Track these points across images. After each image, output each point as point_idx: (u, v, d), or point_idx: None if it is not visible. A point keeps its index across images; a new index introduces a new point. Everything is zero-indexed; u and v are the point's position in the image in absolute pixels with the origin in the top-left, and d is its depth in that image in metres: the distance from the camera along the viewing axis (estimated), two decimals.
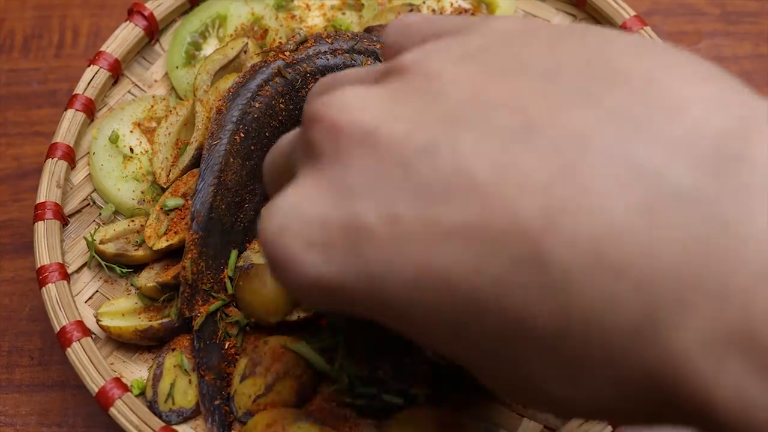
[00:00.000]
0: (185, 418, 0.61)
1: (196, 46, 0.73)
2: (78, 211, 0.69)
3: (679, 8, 0.88)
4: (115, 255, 0.65)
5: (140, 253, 0.65)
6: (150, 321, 0.62)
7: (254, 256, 0.62)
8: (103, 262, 0.65)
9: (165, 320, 0.62)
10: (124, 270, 0.65)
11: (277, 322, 0.61)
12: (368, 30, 0.69)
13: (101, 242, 0.65)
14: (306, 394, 0.60)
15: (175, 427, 0.60)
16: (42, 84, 0.85)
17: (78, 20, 0.89)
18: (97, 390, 0.59)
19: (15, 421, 0.70)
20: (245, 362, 0.60)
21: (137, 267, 0.66)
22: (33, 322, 0.74)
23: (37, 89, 0.85)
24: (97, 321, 0.62)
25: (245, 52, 0.69)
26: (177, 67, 0.72)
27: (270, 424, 0.57)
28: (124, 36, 0.73)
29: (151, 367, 0.63)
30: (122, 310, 0.63)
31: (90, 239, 0.65)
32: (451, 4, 0.75)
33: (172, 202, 0.64)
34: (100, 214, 0.68)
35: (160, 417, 0.60)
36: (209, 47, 0.73)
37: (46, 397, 0.71)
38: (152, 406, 0.61)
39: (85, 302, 0.65)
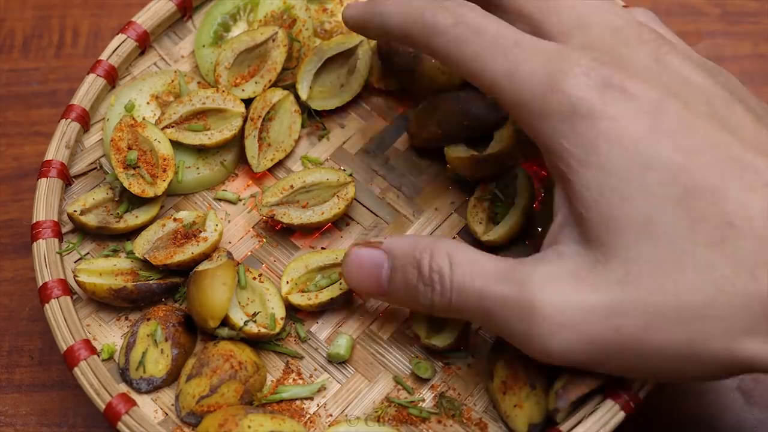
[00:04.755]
0: (155, 386, 0.61)
1: (226, 27, 0.74)
2: (84, 174, 0.69)
3: (679, 8, 0.88)
4: (97, 227, 0.66)
5: (122, 225, 0.66)
6: (125, 282, 0.63)
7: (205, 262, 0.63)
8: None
9: (139, 282, 0.63)
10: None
11: (214, 327, 0.61)
12: None
13: (82, 213, 0.65)
14: (251, 398, 0.60)
15: (140, 396, 0.61)
16: (42, 84, 0.85)
17: (78, 20, 0.89)
18: (65, 348, 0.60)
19: (15, 421, 0.70)
20: (192, 362, 0.61)
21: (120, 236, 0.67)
22: (33, 322, 0.74)
23: (37, 89, 0.85)
24: (74, 276, 0.63)
25: (273, 40, 0.70)
26: (203, 46, 0.73)
27: (222, 424, 0.57)
28: (156, 9, 0.73)
29: (125, 334, 0.63)
30: (100, 270, 0.64)
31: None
32: None
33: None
34: (105, 178, 0.69)
35: (130, 384, 0.61)
36: (237, 30, 0.74)
37: (46, 397, 0.71)
38: (123, 373, 0.61)
39: (75, 262, 0.66)
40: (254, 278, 0.64)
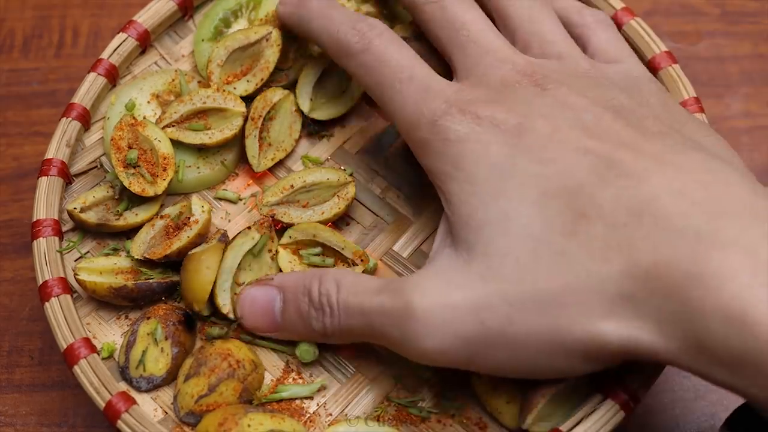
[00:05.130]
0: (155, 385, 0.61)
1: (227, 23, 0.74)
2: (84, 172, 0.69)
3: (679, 8, 0.89)
4: (97, 225, 0.66)
5: (121, 222, 0.66)
6: (126, 281, 0.63)
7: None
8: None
9: (140, 281, 0.63)
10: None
11: (199, 311, 0.62)
12: None
13: (82, 210, 0.66)
14: (250, 397, 0.60)
15: (139, 395, 0.61)
16: (42, 84, 0.85)
17: (78, 20, 0.89)
18: (65, 346, 0.60)
19: (15, 421, 0.70)
20: (190, 362, 0.61)
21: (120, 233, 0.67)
22: (33, 322, 0.74)
23: (37, 89, 0.85)
24: (75, 274, 0.63)
25: (267, 40, 0.70)
26: (203, 40, 0.73)
27: (222, 423, 0.57)
28: (156, 9, 0.73)
29: (125, 333, 0.63)
30: (101, 268, 0.64)
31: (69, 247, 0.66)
32: None
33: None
34: (105, 177, 0.69)
35: (130, 382, 0.61)
36: (238, 27, 0.74)
37: (46, 397, 0.71)
38: (123, 372, 0.61)
39: (75, 261, 0.66)
40: (270, 251, 0.64)
